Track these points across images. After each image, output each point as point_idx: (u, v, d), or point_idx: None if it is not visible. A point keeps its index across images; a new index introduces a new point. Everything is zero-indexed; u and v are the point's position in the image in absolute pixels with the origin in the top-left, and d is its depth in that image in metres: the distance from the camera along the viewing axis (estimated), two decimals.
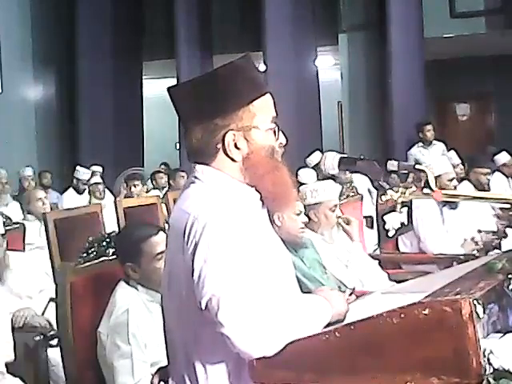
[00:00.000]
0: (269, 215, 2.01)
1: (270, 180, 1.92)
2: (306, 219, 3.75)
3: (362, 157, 2.65)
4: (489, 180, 6.23)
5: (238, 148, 1.90)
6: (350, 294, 2.15)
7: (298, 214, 3.64)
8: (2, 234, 4.14)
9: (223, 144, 1.89)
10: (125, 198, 7.87)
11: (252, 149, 1.91)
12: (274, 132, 1.94)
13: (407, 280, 3.01)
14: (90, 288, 2.89)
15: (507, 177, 7.69)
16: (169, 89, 2.00)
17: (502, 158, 7.83)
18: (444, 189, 4.51)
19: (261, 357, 1.74)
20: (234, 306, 1.73)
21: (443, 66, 11.26)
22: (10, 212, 6.37)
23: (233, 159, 1.91)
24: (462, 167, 7.19)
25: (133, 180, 8.02)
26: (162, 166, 11.64)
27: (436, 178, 5.12)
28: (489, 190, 6.19)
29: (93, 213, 5.70)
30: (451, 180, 5.29)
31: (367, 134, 10.10)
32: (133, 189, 7.91)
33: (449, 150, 8.19)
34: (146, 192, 8.42)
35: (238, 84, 1.89)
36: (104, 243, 3.01)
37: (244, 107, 1.89)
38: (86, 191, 8.48)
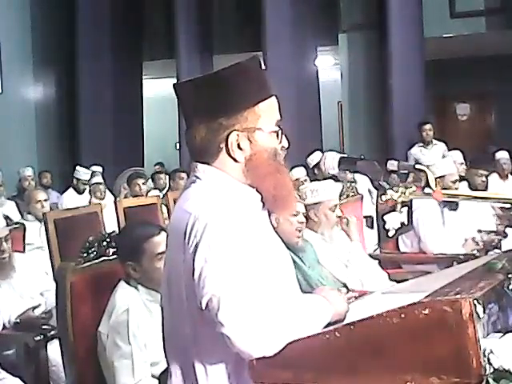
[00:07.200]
0: (269, 216, 2.02)
1: (272, 182, 1.92)
2: (304, 219, 3.75)
3: (362, 157, 2.66)
4: (484, 182, 6.22)
5: (240, 149, 1.90)
6: (347, 293, 2.16)
7: (295, 215, 3.64)
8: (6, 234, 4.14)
9: (226, 144, 1.89)
10: (125, 197, 7.87)
11: (255, 150, 1.91)
12: (278, 135, 1.95)
13: (407, 280, 3.01)
14: (90, 288, 2.89)
15: (502, 177, 7.70)
16: (175, 85, 1.99)
17: (499, 155, 7.84)
18: (445, 189, 4.51)
19: (261, 357, 1.74)
20: (234, 306, 1.73)
21: (443, 66, 11.25)
22: (6, 213, 6.36)
23: (235, 159, 1.91)
24: (465, 167, 7.19)
25: (138, 179, 7.97)
26: (157, 166, 11.66)
27: (440, 178, 5.12)
28: (485, 190, 6.18)
29: (93, 213, 5.69)
30: (454, 182, 5.29)
31: (367, 134, 10.10)
32: (142, 187, 7.85)
33: (452, 150, 8.18)
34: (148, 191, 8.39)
35: (244, 85, 1.89)
36: (104, 243, 3.01)
37: (249, 108, 1.89)
38: (86, 191, 8.47)
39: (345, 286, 3.93)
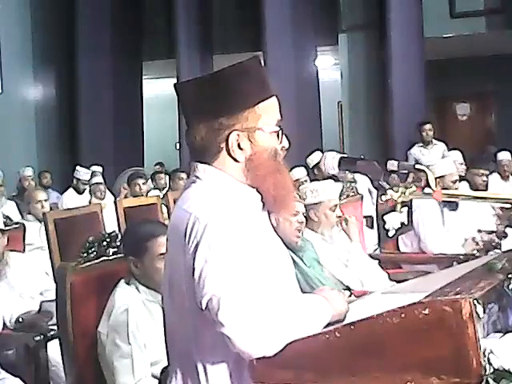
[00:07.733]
0: (269, 216, 2.01)
1: (272, 182, 1.92)
2: (304, 219, 3.75)
3: (362, 157, 2.66)
4: (485, 181, 6.21)
5: (241, 148, 1.90)
6: (350, 296, 2.15)
7: (295, 215, 3.64)
8: (2, 230, 4.14)
9: (227, 144, 1.89)
10: (125, 197, 7.87)
11: (255, 150, 1.90)
12: (278, 135, 1.95)
13: (407, 280, 3.01)
14: (90, 288, 2.89)
15: (503, 178, 7.69)
16: (175, 85, 1.99)
17: (501, 156, 7.84)
18: (445, 189, 4.52)
19: (261, 357, 1.74)
20: (234, 306, 1.73)
21: (443, 66, 11.26)
22: (6, 213, 6.35)
23: (235, 159, 1.90)
24: (465, 167, 7.18)
25: (139, 179, 7.99)
26: (157, 166, 11.67)
27: (440, 178, 5.13)
28: (485, 190, 6.17)
29: (93, 213, 5.69)
30: (454, 182, 5.29)
31: (367, 134, 10.10)
32: (142, 187, 7.87)
33: (452, 150, 8.18)
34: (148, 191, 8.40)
35: (245, 85, 1.88)
36: (104, 243, 3.01)
37: (250, 108, 1.89)
38: (87, 191, 8.48)
39: (348, 288, 3.92)
